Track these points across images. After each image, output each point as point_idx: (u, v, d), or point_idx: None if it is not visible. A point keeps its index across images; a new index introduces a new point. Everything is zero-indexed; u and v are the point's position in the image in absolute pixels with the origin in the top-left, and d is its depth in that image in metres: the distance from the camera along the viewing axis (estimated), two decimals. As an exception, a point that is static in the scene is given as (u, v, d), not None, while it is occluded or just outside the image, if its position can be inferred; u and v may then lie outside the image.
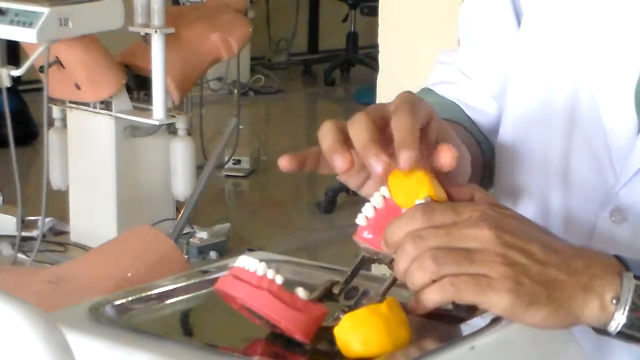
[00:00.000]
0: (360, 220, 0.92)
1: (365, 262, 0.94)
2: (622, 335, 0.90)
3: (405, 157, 0.90)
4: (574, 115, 1.13)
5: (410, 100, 0.95)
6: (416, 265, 0.87)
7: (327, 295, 0.92)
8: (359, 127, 0.93)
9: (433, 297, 0.87)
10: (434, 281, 0.87)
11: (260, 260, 0.88)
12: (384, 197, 0.93)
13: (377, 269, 1.04)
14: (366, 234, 0.93)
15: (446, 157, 0.93)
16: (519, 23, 1.22)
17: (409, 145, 0.91)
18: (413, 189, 0.92)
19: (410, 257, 0.88)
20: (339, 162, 0.93)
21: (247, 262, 0.88)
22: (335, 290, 0.93)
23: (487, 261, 0.87)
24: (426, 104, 0.97)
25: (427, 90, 1.30)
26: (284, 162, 0.97)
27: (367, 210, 0.93)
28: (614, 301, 0.89)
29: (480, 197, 0.94)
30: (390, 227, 0.90)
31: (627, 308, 0.89)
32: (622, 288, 0.89)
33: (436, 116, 0.98)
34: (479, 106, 1.27)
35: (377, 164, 0.91)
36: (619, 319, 0.89)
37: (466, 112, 1.26)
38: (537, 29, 1.18)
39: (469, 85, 1.28)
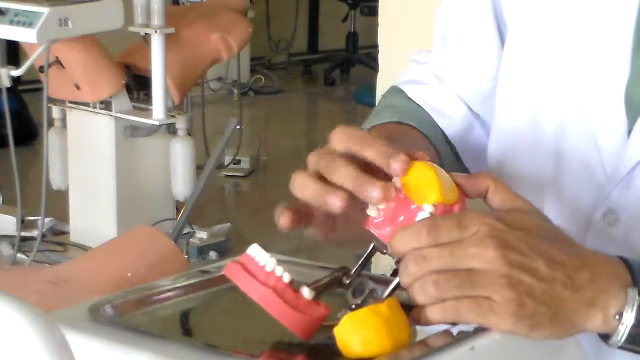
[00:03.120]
0: (371, 211, 0.92)
1: (375, 252, 0.94)
2: (624, 348, 0.90)
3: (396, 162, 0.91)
4: (564, 117, 1.13)
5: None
6: (418, 286, 0.87)
7: (335, 284, 0.92)
8: (341, 167, 0.93)
9: (435, 317, 0.87)
10: None
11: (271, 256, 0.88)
12: (395, 188, 0.92)
13: (377, 269, 1.04)
14: (377, 227, 0.92)
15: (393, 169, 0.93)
16: (498, 28, 1.22)
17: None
18: (423, 188, 0.91)
19: (413, 277, 0.87)
20: (335, 201, 0.92)
21: (258, 254, 0.88)
22: (346, 280, 0.92)
23: (490, 284, 0.86)
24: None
25: (397, 90, 1.30)
26: (282, 220, 0.97)
27: None
28: (617, 317, 0.89)
29: (494, 189, 0.93)
30: (395, 238, 0.89)
31: (630, 324, 0.89)
32: (625, 303, 0.89)
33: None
34: (445, 110, 1.26)
35: (373, 191, 0.91)
36: (622, 334, 0.89)
37: (431, 115, 1.25)
38: (524, 35, 1.17)
39: (438, 87, 1.27)
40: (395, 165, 0.91)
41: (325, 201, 0.92)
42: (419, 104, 1.26)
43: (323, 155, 0.95)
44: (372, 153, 0.93)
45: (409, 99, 1.27)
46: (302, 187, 0.94)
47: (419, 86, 1.28)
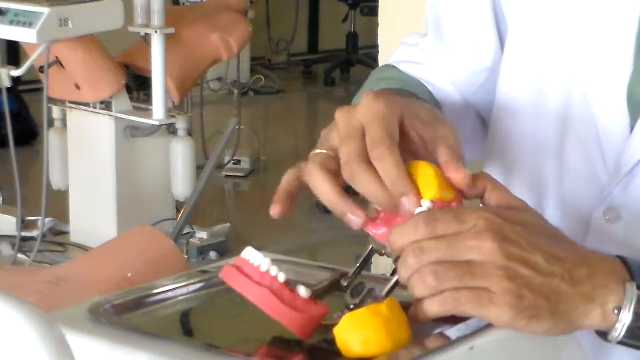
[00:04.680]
0: (369, 212, 0.92)
1: (374, 253, 0.94)
2: (623, 343, 0.90)
3: (406, 203, 0.90)
4: (566, 114, 1.13)
5: (381, 121, 0.94)
6: (417, 278, 0.87)
7: (334, 287, 0.92)
8: (370, 180, 0.91)
9: (433, 309, 0.87)
10: None
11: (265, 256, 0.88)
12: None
13: (377, 269, 1.04)
14: (375, 227, 0.93)
15: (457, 179, 0.92)
16: (496, 21, 1.20)
17: (404, 190, 0.90)
18: (421, 185, 0.91)
19: (411, 269, 0.87)
20: (355, 222, 0.92)
21: (253, 255, 0.89)
22: (344, 283, 0.93)
23: (488, 275, 0.86)
24: (394, 103, 0.96)
25: (390, 67, 1.28)
26: (276, 212, 0.97)
27: None
28: (616, 311, 0.89)
29: (492, 189, 0.93)
30: (393, 233, 0.89)
31: (628, 319, 0.89)
32: (624, 298, 0.89)
33: (407, 111, 0.96)
34: (445, 88, 1.24)
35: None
36: (620, 329, 0.89)
37: (429, 88, 1.23)
38: (526, 33, 1.17)
39: (434, 67, 1.26)
40: (406, 205, 0.91)
41: (344, 217, 0.92)
42: (417, 78, 1.25)
43: (346, 150, 0.93)
44: (385, 176, 0.91)
45: (405, 73, 1.25)
46: (321, 191, 0.93)
47: (414, 65, 1.26)
